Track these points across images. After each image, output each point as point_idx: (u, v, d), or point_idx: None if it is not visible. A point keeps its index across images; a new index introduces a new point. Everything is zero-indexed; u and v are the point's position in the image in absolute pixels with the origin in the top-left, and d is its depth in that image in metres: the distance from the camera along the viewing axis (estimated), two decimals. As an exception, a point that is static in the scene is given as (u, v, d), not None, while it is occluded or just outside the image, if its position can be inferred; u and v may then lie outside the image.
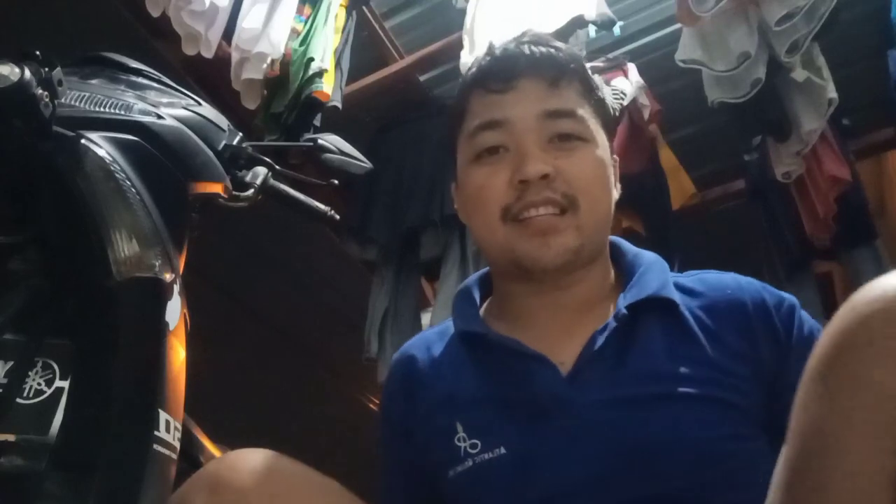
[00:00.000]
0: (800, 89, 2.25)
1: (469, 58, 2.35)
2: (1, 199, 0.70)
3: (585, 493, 0.72)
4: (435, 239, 2.65)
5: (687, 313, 0.80)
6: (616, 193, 0.87)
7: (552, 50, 0.85)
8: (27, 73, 0.63)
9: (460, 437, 0.78)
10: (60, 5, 2.42)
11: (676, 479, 0.71)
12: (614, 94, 2.45)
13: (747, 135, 2.63)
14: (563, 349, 0.79)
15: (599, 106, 0.86)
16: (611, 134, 0.88)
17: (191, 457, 0.82)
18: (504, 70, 0.84)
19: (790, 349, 0.78)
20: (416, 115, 2.90)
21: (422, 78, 2.91)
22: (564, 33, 2.21)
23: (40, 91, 0.64)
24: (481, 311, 0.90)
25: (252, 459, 0.71)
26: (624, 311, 0.79)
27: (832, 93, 2.22)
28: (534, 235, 0.80)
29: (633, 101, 2.51)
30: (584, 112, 0.83)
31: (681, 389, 0.74)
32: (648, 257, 0.88)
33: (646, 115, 2.56)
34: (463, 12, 2.48)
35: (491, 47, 0.88)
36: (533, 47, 0.85)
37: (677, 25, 2.35)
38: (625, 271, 0.87)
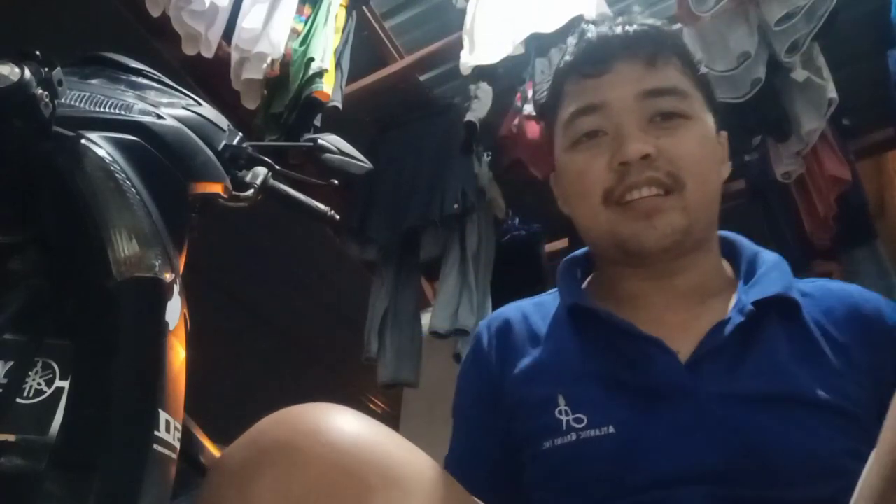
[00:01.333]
0: (800, 89, 2.25)
1: (469, 58, 2.35)
2: (1, 199, 0.70)
3: (692, 485, 0.69)
4: (435, 239, 2.66)
5: (808, 318, 0.78)
6: (725, 172, 0.85)
7: (646, 28, 0.84)
8: (27, 73, 0.63)
9: (562, 410, 0.76)
10: (60, 5, 2.42)
11: (786, 486, 0.69)
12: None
13: (747, 135, 2.63)
14: (679, 337, 0.77)
15: (702, 82, 0.85)
16: (716, 111, 0.85)
17: (191, 457, 0.82)
18: (598, 53, 0.82)
19: None
20: (416, 115, 2.90)
21: (422, 78, 2.91)
22: (564, 33, 2.22)
23: (40, 91, 0.64)
24: (584, 288, 0.88)
25: (332, 420, 0.59)
26: (751, 306, 0.76)
27: (832, 93, 2.22)
28: (638, 218, 0.77)
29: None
30: (686, 88, 0.81)
31: (803, 393, 0.72)
32: (771, 257, 0.85)
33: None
34: (463, 12, 2.48)
35: (583, 31, 0.86)
36: (626, 27, 0.83)
37: (677, 25, 2.35)
38: (745, 267, 0.84)
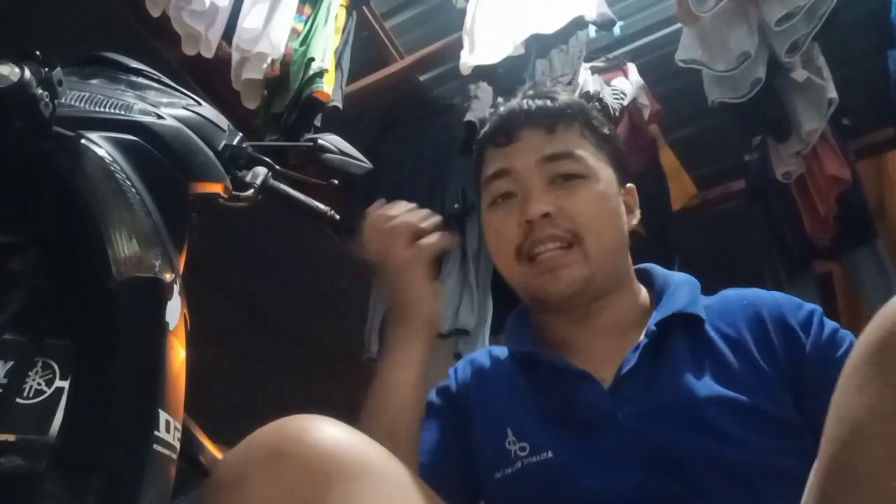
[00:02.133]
0: (800, 89, 2.25)
1: (469, 58, 2.36)
2: (1, 199, 0.70)
3: (624, 500, 0.74)
4: (435, 239, 2.65)
5: (710, 328, 0.85)
6: (634, 220, 0.94)
7: (548, 101, 0.93)
8: (27, 73, 0.63)
9: (510, 441, 0.84)
10: (60, 5, 2.42)
11: (710, 493, 0.73)
12: (614, 94, 2.46)
13: (747, 135, 2.63)
14: (604, 367, 0.84)
15: (604, 142, 0.93)
16: (620, 166, 0.94)
17: (191, 457, 0.82)
18: (506, 125, 0.93)
19: (807, 351, 0.80)
20: (416, 115, 2.90)
21: (422, 78, 2.91)
22: (565, 33, 2.22)
23: (40, 91, 0.64)
24: (532, 335, 0.96)
25: (314, 427, 0.68)
26: (653, 327, 0.84)
27: (832, 93, 2.22)
28: (543, 272, 0.87)
29: (633, 101, 2.51)
30: (584, 151, 0.90)
31: (707, 397, 0.78)
32: (678, 278, 0.94)
33: (646, 115, 2.57)
34: (463, 12, 2.48)
35: (497, 105, 0.99)
36: (530, 101, 0.94)
37: (677, 25, 2.35)
38: (657, 293, 0.92)
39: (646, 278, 0.96)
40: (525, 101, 0.94)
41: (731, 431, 0.75)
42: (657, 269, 0.97)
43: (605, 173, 0.91)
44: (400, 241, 0.93)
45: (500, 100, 0.99)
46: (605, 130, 0.94)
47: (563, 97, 0.95)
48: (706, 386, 0.79)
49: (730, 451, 0.74)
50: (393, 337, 0.92)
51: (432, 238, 0.93)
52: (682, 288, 0.90)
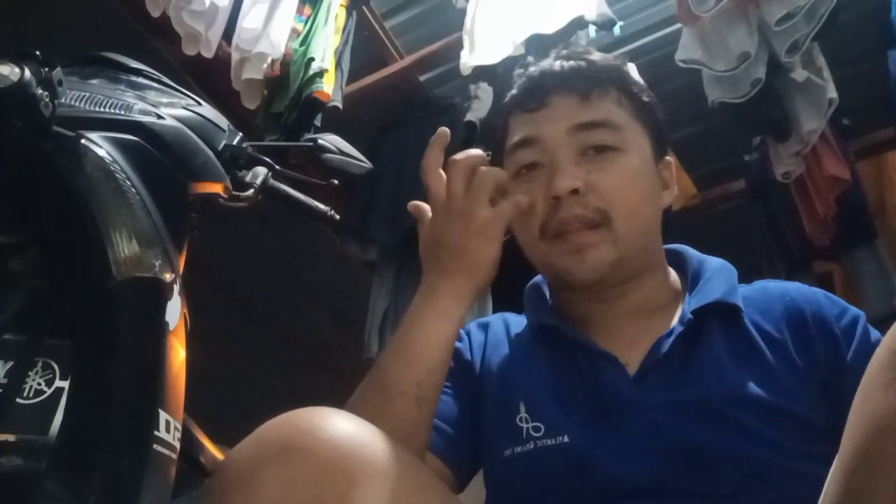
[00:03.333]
0: (800, 89, 2.25)
1: (469, 58, 2.35)
2: (1, 199, 0.70)
3: (641, 492, 0.71)
4: (435, 239, 2.65)
5: (748, 321, 0.81)
6: (668, 197, 0.87)
7: (583, 63, 0.86)
8: (27, 73, 0.63)
9: (522, 418, 0.79)
10: (60, 5, 2.42)
11: (731, 492, 0.70)
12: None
13: (747, 135, 2.63)
14: (629, 352, 0.80)
15: (643, 110, 0.87)
16: (659, 138, 0.88)
17: (191, 457, 0.82)
18: (536, 89, 0.86)
19: (848, 360, 0.76)
20: (416, 115, 2.90)
21: (422, 78, 2.91)
22: (565, 34, 2.22)
23: (40, 91, 0.64)
24: (550, 308, 0.92)
25: (328, 421, 0.63)
26: (690, 315, 0.80)
27: (832, 93, 2.22)
28: (570, 251, 0.80)
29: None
30: (620, 120, 0.84)
31: (744, 396, 0.74)
32: (714, 263, 0.88)
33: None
34: (463, 12, 2.48)
35: (526, 66, 0.91)
36: (564, 62, 0.86)
37: (677, 25, 2.35)
38: (691, 278, 0.87)
39: (677, 260, 0.91)
40: (558, 62, 0.87)
41: (760, 431, 0.72)
42: (690, 251, 0.92)
43: (642, 146, 0.84)
44: (484, 194, 0.79)
45: (530, 59, 0.93)
46: (645, 98, 0.88)
47: (600, 60, 0.88)
48: (740, 383, 0.75)
49: (757, 452, 0.71)
50: (439, 285, 0.79)
51: (515, 200, 0.79)
52: (720, 274, 0.85)
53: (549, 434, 0.77)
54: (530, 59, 0.94)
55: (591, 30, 2.35)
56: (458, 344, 0.91)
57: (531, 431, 0.78)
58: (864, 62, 2.56)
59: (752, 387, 0.75)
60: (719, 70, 2.17)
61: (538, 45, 2.27)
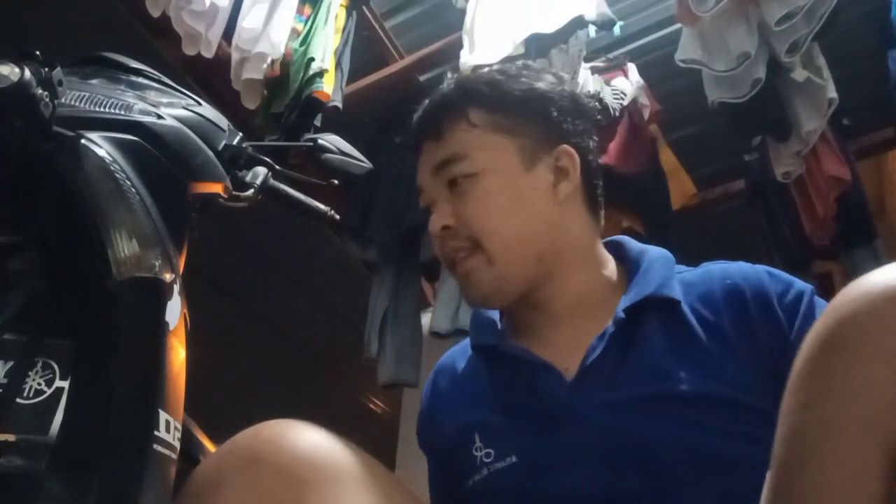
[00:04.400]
0: (800, 89, 2.25)
1: (469, 57, 2.35)
2: (1, 199, 0.70)
3: (591, 500, 0.71)
4: (435, 239, 2.65)
5: (688, 310, 0.79)
6: (565, 189, 0.84)
7: (436, 101, 0.88)
8: (27, 73, 0.63)
9: (477, 447, 0.80)
10: (60, 5, 2.42)
11: (681, 484, 0.70)
12: (614, 94, 2.46)
13: (747, 135, 2.63)
14: (568, 356, 0.79)
15: (508, 115, 0.84)
16: (537, 133, 0.85)
17: (191, 457, 0.82)
18: (412, 138, 0.91)
19: (791, 338, 0.74)
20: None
21: (422, 78, 2.91)
22: (564, 33, 2.22)
23: (40, 91, 0.64)
24: (500, 326, 0.92)
25: (290, 432, 0.67)
26: (621, 314, 0.79)
27: (832, 93, 2.22)
28: (460, 279, 0.86)
29: (633, 101, 2.51)
30: (472, 143, 0.83)
31: (681, 389, 0.73)
32: (652, 254, 0.87)
33: (646, 115, 2.57)
34: (463, 12, 2.48)
35: (414, 111, 0.93)
36: (425, 107, 0.90)
37: (677, 25, 2.35)
38: (630, 269, 0.86)
39: (618, 252, 0.89)
40: (422, 108, 0.91)
41: (700, 421, 0.71)
42: (630, 242, 0.90)
43: (502, 159, 0.83)
44: None
45: (417, 107, 0.94)
46: (516, 92, 0.85)
47: (455, 83, 0.88)
48: (678, 376, 0.74)
49: (699, 442, 0.70)
50: None
51: None
52: (654, 266, 0.84)
53: (499, 457, 0.78)
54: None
55: (591, 30, 2.35)
56: (419, 416, 0.95)
57: (484, 459, 0.79)
58: (864, 62, 2.56)
59: (689, 378, 0.74)
60: (719, 70, 2.17)
61: (538, 44, 2.27)
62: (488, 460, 0.78)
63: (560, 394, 0.77)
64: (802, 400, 0.53)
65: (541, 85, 0.87)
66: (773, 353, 0.74)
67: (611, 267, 0.87)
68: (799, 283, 0.80)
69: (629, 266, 0.87)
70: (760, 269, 0.82)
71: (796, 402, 0.53)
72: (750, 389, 0.73)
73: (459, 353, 0.94)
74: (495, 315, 0.92)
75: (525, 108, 0.85)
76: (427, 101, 0.91)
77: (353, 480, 0.66)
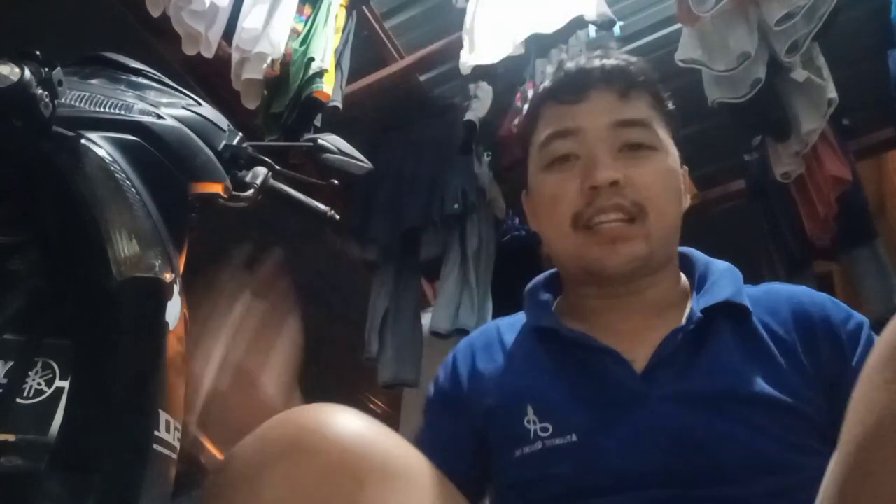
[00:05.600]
0: (800, 89, 2.25)
1: (469, 57, 2.35)
2: (1, 199, 0.70)
3: (649, 486, 0.72)
4: (435, 239, 2.65)
5: (757, 321, 0.82)
6: (686, 203, 0.89)
7: (623, 63, 0.88)
8: (27, 73, 0.63)
9: (530, 420, 0.80)
10: (60, 5, 2.42)
11: (737, 482, 0.71)
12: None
13: (747, 135, 2.63)
14: (634, 348, 0.81)
15: (669, 117, 0.89)
16: (679, 144, 0.90)
17: (191, 457, 0.82)
18: (576, 82, 0.87)
19: (853, 365, 0.77)
20: (416, 115, 2.90)
21: (422, 78, 2.91)
22: (564, 33, 2.22)
23: (40, 91, 0.64)
24: (553, 308, 0.92)
25: (335, 418, 0.63)
26: (699, 314, 0.81)
27: (832, 93, 2.22)
28: (603, 242, 0.82)
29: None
30: (655, 122, 0.86)
31: (752, 391, 0.75)
32: (721, 266, 0.90)
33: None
34: (463, 12, 2.48)
35: (563, 62, 0.93)
36: (605, 60, 0.88)
37: (677, 25, 2.35)
38: (698, 279, 0.88)
39: (684, 263, 0.92)
40: (598, 59, 0.88)
41: (765, 426, 0.73)
42: (698, 254, 0.93)
43: (672, 149, 0.87)
44: None
45: (564, 56, 0.95)
46: (671, 106, 0.90)
47: (637, 62, 0.90)
48: (748, 378, 0.76)
49: (761, 444, 0.72)
50: None
51: None
52: (726, 276, 0.87)
53: (558, 433, 0.78)
54: (563, 56, 0.95)
55: (591, 30, 2.35)
56: (444, 376, 0.93)
57: (539, 432, 0.79)
58: (864, 62, 2.56)
59: (760, 383, 0.76)
60: (719, 70, 2.17)
61: (538, 44, 2.28)
62: (544, 434, 0.78)
63: (630, 382, 0.78)
64: (881, 382, 0.53)
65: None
66: (834, 374, 0.77)
67: (682, 277, 0.91)
68: (858, 315, 0.83)
69: (696, 275, 0.89)
70: (825, 297, 0.85)
71: (882, 381, 0.53)
72: (812, 403, 0.76)
73: (506, 326, 0.94)
74: (549, 296, 0.93)
75: (675, 122, 0.91)
76: (597, 55, 0.89)
77: (402, 477, 0.63)
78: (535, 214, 0.92)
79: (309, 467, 0.59)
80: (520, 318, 0.94)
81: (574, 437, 0.77)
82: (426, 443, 0.88)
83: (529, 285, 0.97)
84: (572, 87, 0.87)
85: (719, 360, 0.79)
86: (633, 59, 0.90)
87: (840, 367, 0.77)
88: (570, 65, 0.90)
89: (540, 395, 0.81)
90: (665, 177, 0.84)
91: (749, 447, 0.72)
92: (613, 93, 0.85)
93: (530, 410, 0.80)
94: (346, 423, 0.63)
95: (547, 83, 0.91)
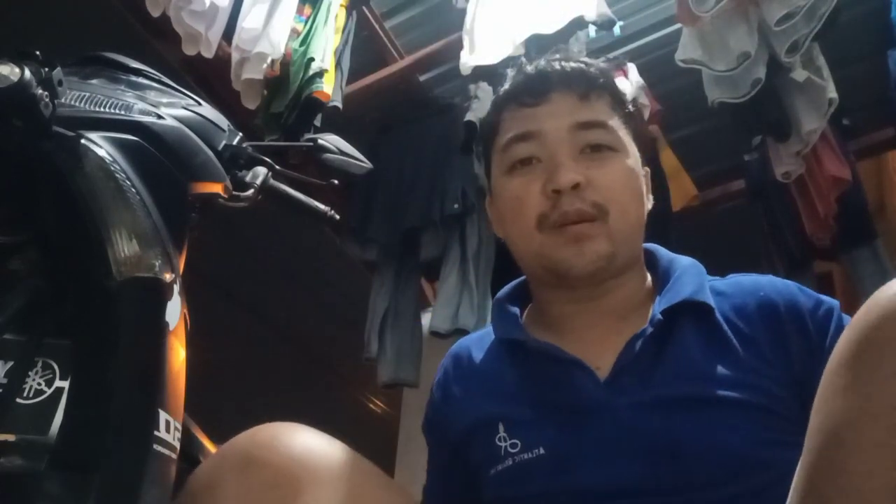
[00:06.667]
0: (800, 89, 2.25)
1: (469, 58, 2.35)
2: (1, 199, 0.70)
3: (620, 494, 0.72)
4: (435, 239, 2.66)
5: (720, 317, 0.81)
6: (648, 204, 0.89)
7: (582, 65, 0.88)
8: (27, 73, 0.63)
9: (501, 437, 0.80)
10: (60, 5, 2.42)
11: (709, 485, 0.71)
12: (614, 94, 2.46)
13: (747, 135, 2.63)
14: (600, 355, 0.81)
15: (629, 118, 0.89)
16: (642, 145, 0.89)
17: (191, 457, 0.82)
18: (536, 84, 0.87)
19: (823, 353, 0.74)
20: (416, 115, 2.90)
21: (422, 78, 2.91)
22: (564, 34, 2.22)
23: (40, 91, 0.64)
24: (522, 319, 0.92)
25: (284, 435, 0.71)
26: (659, 316, 0.80)
27: (832, 93, 2.22)
28: (568, 243, 0.82)
29: (633, 101, 2.51)
30: (615, 123, 0.86)
31: (716, 392, 0.75)
32: (684, 262, 0.89)
33: (646, 115, 2.56)
34: (463, 12, 2.48)
35: (522, 65, 0.91)
36: (563, 63, 0.88)
37: (677, 25, 2.35)
38: (661, 277, 0.88)
39: (648, 260, 0.91)
40: (557, 62, 0.89)
41: (732, 424, 0.73)
42: (661, 250, 0.93)
43: (633, 150, 0.87)
44: None
45: (522, 60, 0.93)
46: (630, 108, 0.90)
47: (597, 64, 0.90)
48: (712, 379, 0.76)
49: (730, 443, 0.72)
50: None
51: None
52: (688, 273, 0.86)
53: (526, 448, 0.78)
54: (523, 59, 0.94)
55: (591, 30, 2.35)
56: (429, 408, 0.95)
57: (509, 448, 0.79)
58: (864, 62, 2.56)
59: (723, 382, 0.75)
60: (719, 70, 2.17)
61: (538, 45, 2.27)
62: (514, 450, 0.79)
63: (593, 391, 0.78)
64: (845, 384, 0.53)
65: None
66: (804, 365, 0.76)
67: (647, 276, 0.90)
68: (827, 299, 0.82)
69: (659, 273, 0.89)
70: (791, 284, 0.84)
71: (838, 386, 0.54)
72: (780, 397, 0.75)
73: (474, 343, 0.94)
74: (517, 308, 0.93)
75: (636, 123, 0.90)
76: (556, 58, 0.90)
77: (343, 479, 0.69)
78: (499, 219, 0.91)
79: (257, 479, 0.67)
80: (488, 332, 0.94)
81: (542, 451, 0.77)
82: (430, 473, 0.93)
83: (497, 295, 0.97)
84: (532, 89, 0.87)
85: (681, 362, 0.78)
86: (593, 61, 0.91)
87: (810, 357, 0.77)
88: (529, 67, 0.90)
89: (509, 411, 0.82)
90: (626, 177, 0.84)
91: (715, 447, 0.72)
92: (573, 95, 0.85)
93: (501, 427, 0.81)
94: (295, 438, 0.70)
95: (507, 86, 0.91)
